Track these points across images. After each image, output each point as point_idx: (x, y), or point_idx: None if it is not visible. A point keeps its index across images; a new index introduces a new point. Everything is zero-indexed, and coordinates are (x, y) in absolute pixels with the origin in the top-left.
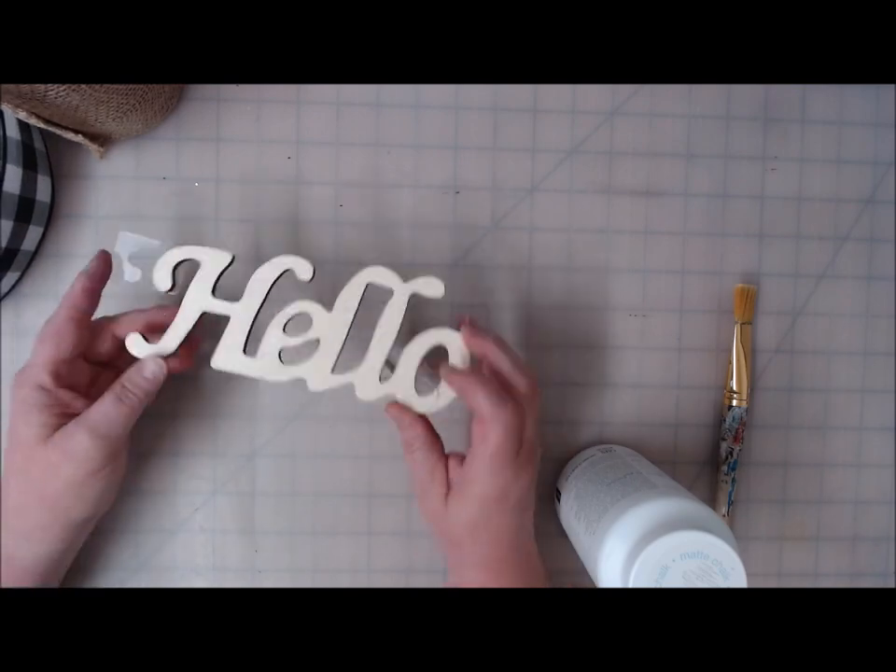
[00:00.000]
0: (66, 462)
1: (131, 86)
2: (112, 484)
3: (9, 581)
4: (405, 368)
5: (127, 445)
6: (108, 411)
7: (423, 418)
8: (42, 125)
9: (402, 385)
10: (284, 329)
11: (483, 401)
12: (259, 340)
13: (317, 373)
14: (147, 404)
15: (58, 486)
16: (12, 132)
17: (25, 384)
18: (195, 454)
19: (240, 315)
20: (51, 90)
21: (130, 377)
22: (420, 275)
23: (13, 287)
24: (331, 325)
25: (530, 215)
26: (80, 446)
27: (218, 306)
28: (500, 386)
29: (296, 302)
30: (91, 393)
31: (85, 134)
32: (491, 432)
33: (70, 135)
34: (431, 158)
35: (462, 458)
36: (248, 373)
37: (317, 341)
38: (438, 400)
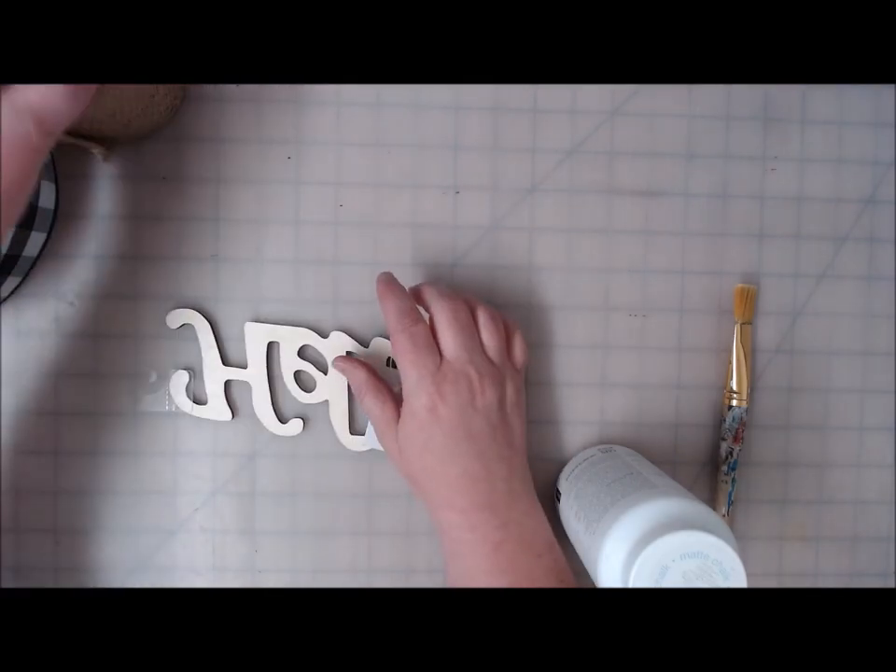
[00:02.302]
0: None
1: (138, 92)
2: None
3: None
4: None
5: None
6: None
7: (365, 364)
8: None
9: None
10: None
11: (389, 311)
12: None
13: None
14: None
15: None
16: None
17: None
18: (195, 454)
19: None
20: None
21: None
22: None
23: (14, 290)
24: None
25: (530, 215)
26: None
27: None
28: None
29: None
30: None
31: (89, 139)
32: (394, 340)
33: (73, 140)
34: (431, 158)
35: None
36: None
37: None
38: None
